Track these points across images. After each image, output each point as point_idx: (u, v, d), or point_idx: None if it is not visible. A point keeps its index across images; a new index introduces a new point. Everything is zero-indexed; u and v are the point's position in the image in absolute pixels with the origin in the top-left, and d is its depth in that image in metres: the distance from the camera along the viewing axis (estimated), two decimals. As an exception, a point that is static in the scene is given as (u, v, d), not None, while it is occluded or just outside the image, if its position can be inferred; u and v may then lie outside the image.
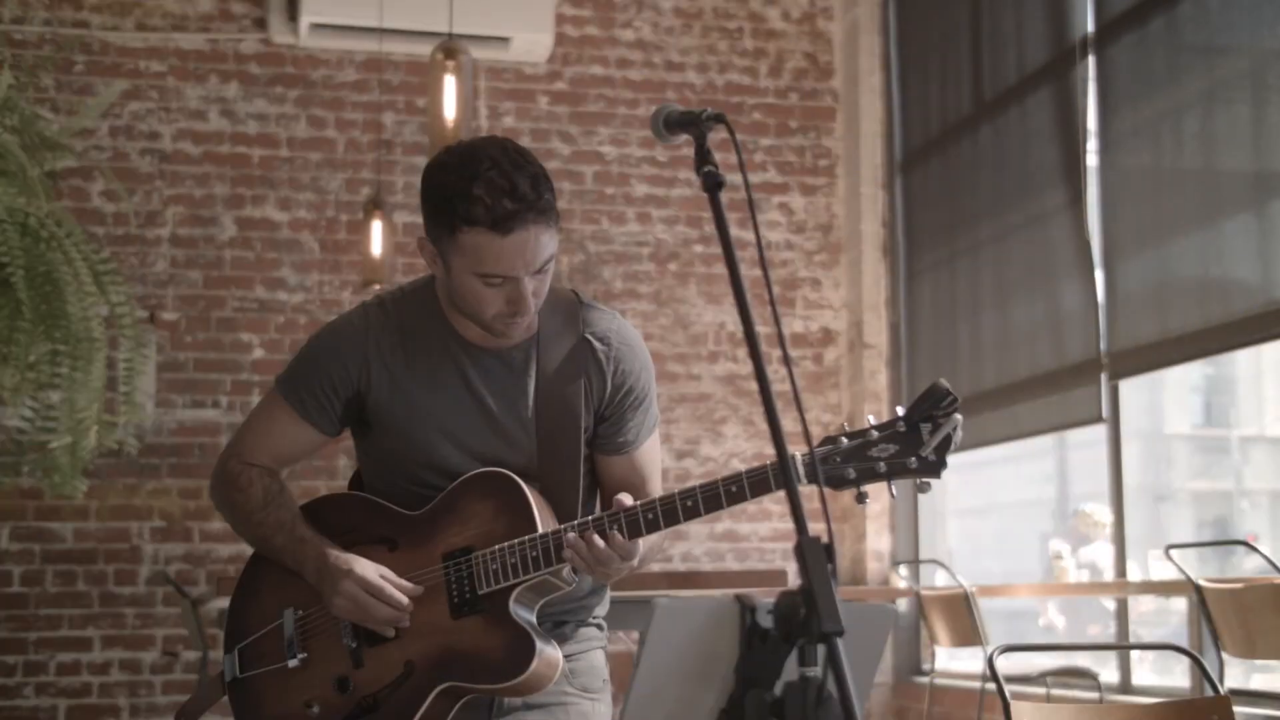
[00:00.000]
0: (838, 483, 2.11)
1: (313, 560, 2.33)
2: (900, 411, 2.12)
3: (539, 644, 2.24)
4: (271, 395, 2.42)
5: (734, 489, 2.15)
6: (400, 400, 2.35)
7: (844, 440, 2.13)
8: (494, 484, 2.30)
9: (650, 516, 2.20)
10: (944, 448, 2.09)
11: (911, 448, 2.10)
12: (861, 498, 2.11)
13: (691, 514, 2.18)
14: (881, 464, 2.11)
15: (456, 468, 2.33)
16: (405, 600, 2.28)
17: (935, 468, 2.10)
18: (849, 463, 2.12)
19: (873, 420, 2.14)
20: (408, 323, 2.37)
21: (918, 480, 2.11)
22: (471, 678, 2.25)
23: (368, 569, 2.28)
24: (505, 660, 2.23)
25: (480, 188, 2.16)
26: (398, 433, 2.36)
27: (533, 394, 2.35)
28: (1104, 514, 8.22)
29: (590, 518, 2.23)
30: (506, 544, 2.25)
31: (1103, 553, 8.01)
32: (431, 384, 2.34)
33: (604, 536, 2.20)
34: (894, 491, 2.13)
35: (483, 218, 2.16)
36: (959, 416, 2.08)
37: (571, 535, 2.21)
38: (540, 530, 2.24)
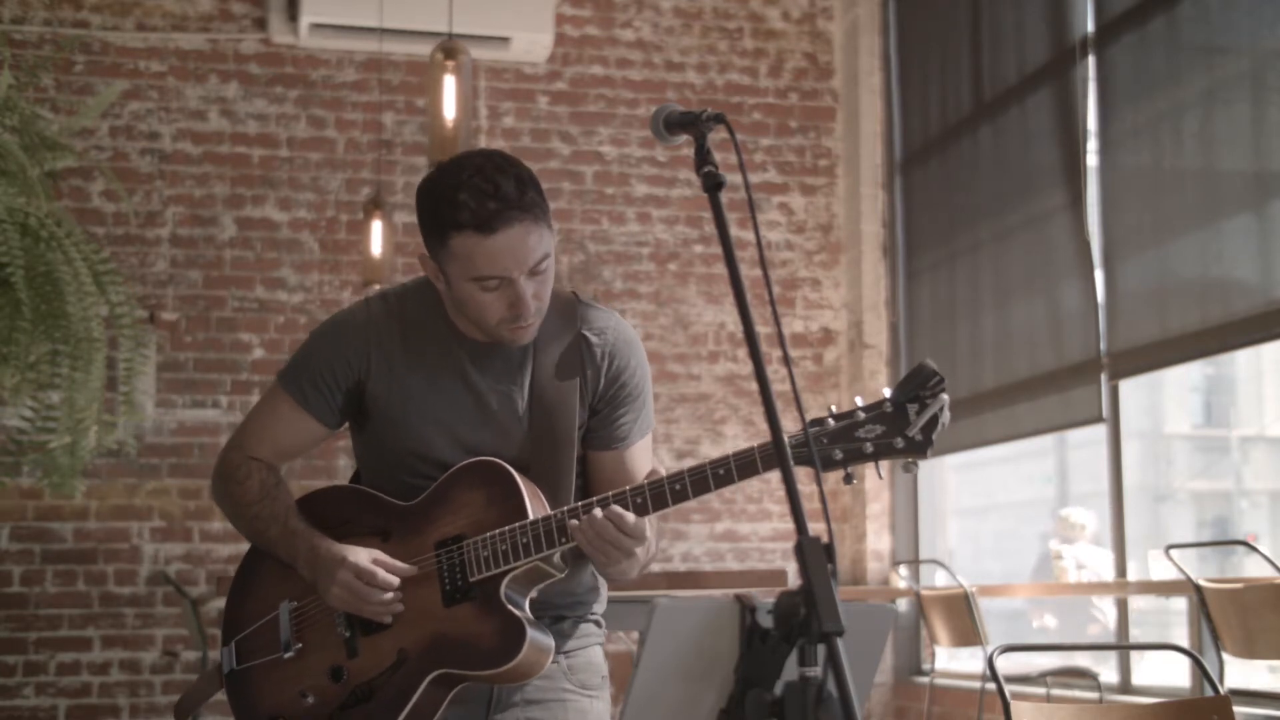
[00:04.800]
0: (825, 464, 2.11)
1: (305, 553, 2.35)
2: (887, 393, 2.13)
3: (529, 630, 2.25)
4: (273, 388, 2.45)
5: (721, 472, 2.16)
6: (398, 392, 2.37)
7: (831, 421, 2.13)
8: (486, 473, 2.32)
9: (639, 500, 2.21)
10: (930, 428, 2.09)
11: (898, 428, 2.10)
12: (849, 479, 2.12)
13: (680, 498, 2.19)
14: (868, 444, 2.11)
15: (450, 459, 2.35)
16: (397, 581, 2.30)
17: (922, 447, 2.10)
18: (836, 444, 2.12)
19: (860, 402, 2.14)
20: (409, 316, 2.40)
21: (904, 461, 2.11)
22: (463, 665, 2.27)
23: (360, 556, 2.30)
24: (496, 647, 2.25)
25: (465, 193, 2.21)
26: (394, 424, 2.38)
27: (528, 389, 2.37)
28: (1083, 516, 8.26)
29: (580, 503, 2.25)
30: (497, 531, 2.27)
31: (1085, 552, 8.06)
32: (430, 377, 2.37)
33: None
34: (881, 472, 2.13)
35: (468, 220, 2.20)
36: (946, 396, 2.08)
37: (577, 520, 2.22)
38: (531, 517, 2.26)
